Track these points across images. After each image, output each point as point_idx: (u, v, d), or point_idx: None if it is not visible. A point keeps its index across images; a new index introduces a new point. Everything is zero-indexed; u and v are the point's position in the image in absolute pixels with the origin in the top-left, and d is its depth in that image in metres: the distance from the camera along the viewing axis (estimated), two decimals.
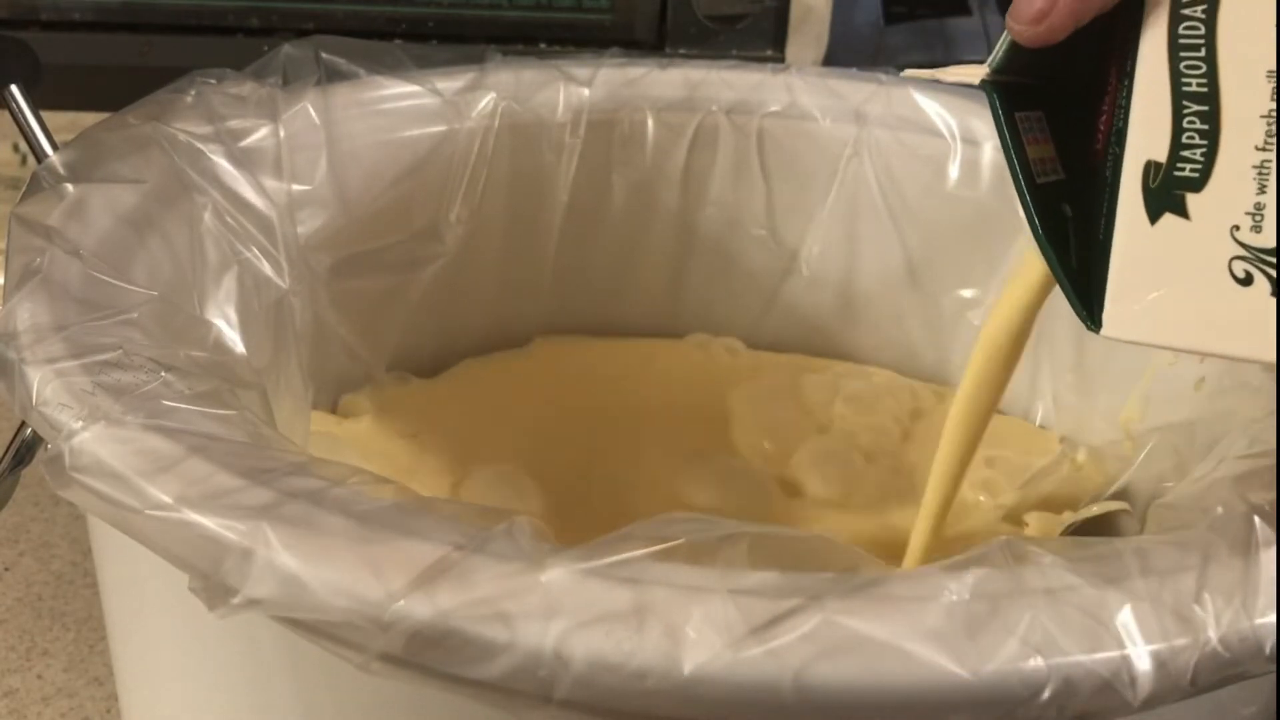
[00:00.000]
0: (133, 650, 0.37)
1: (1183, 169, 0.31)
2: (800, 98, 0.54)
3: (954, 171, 0.51)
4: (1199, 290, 0.31)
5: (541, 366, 0.55)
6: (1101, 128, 0.33)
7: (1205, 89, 0.30)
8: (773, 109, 0.54)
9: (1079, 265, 0.33)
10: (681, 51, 0.75)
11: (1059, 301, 0.50)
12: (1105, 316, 0.32)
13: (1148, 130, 0.31)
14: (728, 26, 0.75)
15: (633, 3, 0.76)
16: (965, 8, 0.89)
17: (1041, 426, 0.53)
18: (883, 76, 0.54)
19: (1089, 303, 0.33)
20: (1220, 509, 0.29)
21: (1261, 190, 0.30)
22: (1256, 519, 0.28)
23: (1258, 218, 0.30)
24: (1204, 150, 0.30)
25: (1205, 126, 0.30)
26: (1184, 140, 0.31)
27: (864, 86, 0.54)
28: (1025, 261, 0.38)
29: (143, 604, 0.35)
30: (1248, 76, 0.30)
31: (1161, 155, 0.31)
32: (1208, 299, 0.31)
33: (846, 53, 0.80)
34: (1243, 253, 0.30)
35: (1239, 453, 0.36)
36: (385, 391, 0.52)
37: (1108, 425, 0.50)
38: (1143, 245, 0.31)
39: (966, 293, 0.53)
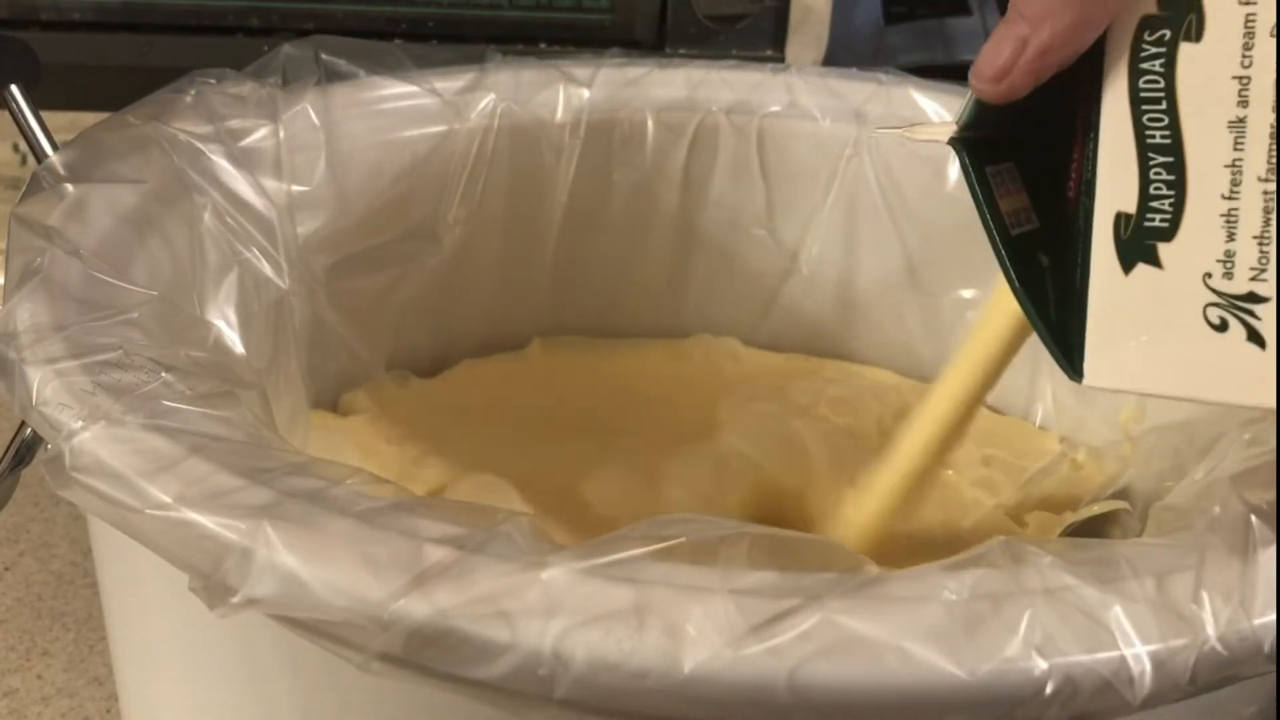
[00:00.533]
0: (133, 650, 0.37)
1: (1153, 219, 0.31)
2: (800, 98, 0.54)
3: (954, 172, 0.51)
4: (1176, 337, 0.31)
5: (540, 366, 0.55)
6: (1073, 176, 0.33)
7: (1169, 140, 0.31)
8: (773, 109, 0.54)
9: (1057, 315, 0.33)
10: (681, 51, 0.75)
11: None
12: (1086, 367, 0.33)
13: (1116, 182, 0.31)
14: (728, 26, 0.75)
15: (633, 3, 0.75)
16: (965, 8, 0.89)
17: (1041, 427, 0.53)
18: (883, 76, 0.54)
19: (1069, 351, 0.33)
20: (1218, 509, 0.29)
21: (1230, 238, 0.30)
22: (1254, 519, 0.28)
23: (1229, 265, 0.30)
24: (1172, 200, 0.31)
25: (1171, 177, 0.31)
26: (1152, 191, 0.31)
27: (864, 86, 0.54)
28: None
29: (143, 604, 0.35)
30: (1209, 127, 0.30)
31: (1131, 206, 0.31)
32: (1185, 346, 0.31)
33: (846, 53, 0.80)
34: (1216, 299, 0.31)
35: (1238, 453, 0.36)
36: (385, 390, 0.52)
37: (1107, 426, 0.50)
38: (1118, 295, 0.32)
39: (966, 293, 0.53)
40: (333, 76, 0.48)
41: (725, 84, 0.54)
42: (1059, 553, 0.27)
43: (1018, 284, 0.33)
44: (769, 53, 0.76)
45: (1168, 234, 0.31)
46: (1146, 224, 0.31)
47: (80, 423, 0.29)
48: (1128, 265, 0.31)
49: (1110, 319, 0.32)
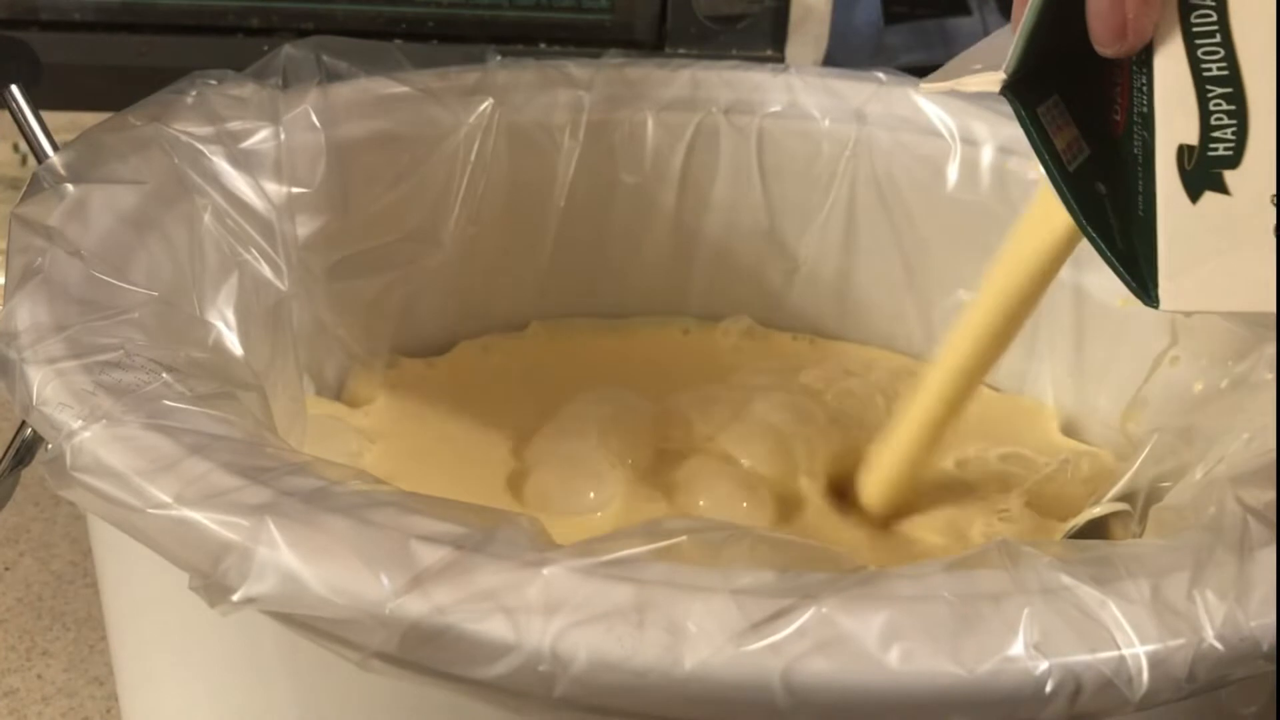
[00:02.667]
0: (132, 650, 0.37)
1: (1216, 148, 0.31)
2: (800, 98, 0.54)
3: (953, 173, 0.51)
4: (1249, 257, 0.32)
5: (540, 347, 0.55)
6: (1119, 99, 0.33)
7: (1226, 72, 0.31)
8: (773, 109, 0.54)
9: (1124, 244, 0.33)
10: (681, 51, 0.75)
11: (1058, 303, 0.50)
12: (1161, 293, 0.33)
13: (1175, 116, 0.32)
14: (728, 26, 0.75)
15: (633, 3, 0.75)
16: (965, 8, 0.89)
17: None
18: (883, 76, 0.54)
19: (1140, 278, 0.33)
20: (1216, 509, 0.29)
21: None
22: (1252, 519, 0.28)
23: None
24: (1234, 129, 0.31)
25: (1232, 107, 0.31)
26: (1213, 122, 0.31)
27: (864, 86, 0.54)
28: (1032, 225, 0.39)
29: (142, 604, 0.35)
30: (1265, 55, 0.31)
31: (1193, 138, 0.32)
32: (1257, 264, 0.32)
33: (846, 53, 0.80)
34: None
35: (1238, 453, 0.36)
36: (385, 375, 0.51)
37: (1108, 427, 0.50)
38: (1188, 224, 0.32)
39: (965, 294, 0.53)
40: (333, 77, 0.48)
41: (725, 84, 0.54)
42: (1057, 553, 0.27)
43: (1084, 221, 0.33)
44: (769, 53, 0.76)
45: (1233, 161, 0.31)
46: (1210, 154, 0.31)
47: (80, 422, 0.29)
48: (1195, 194, 0.32)
49: (1182, 246, 0.32)
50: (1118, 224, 0.34)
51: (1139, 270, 0.33)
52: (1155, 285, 0.33)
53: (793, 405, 0.50)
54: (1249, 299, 0.33)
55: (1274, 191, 0.31)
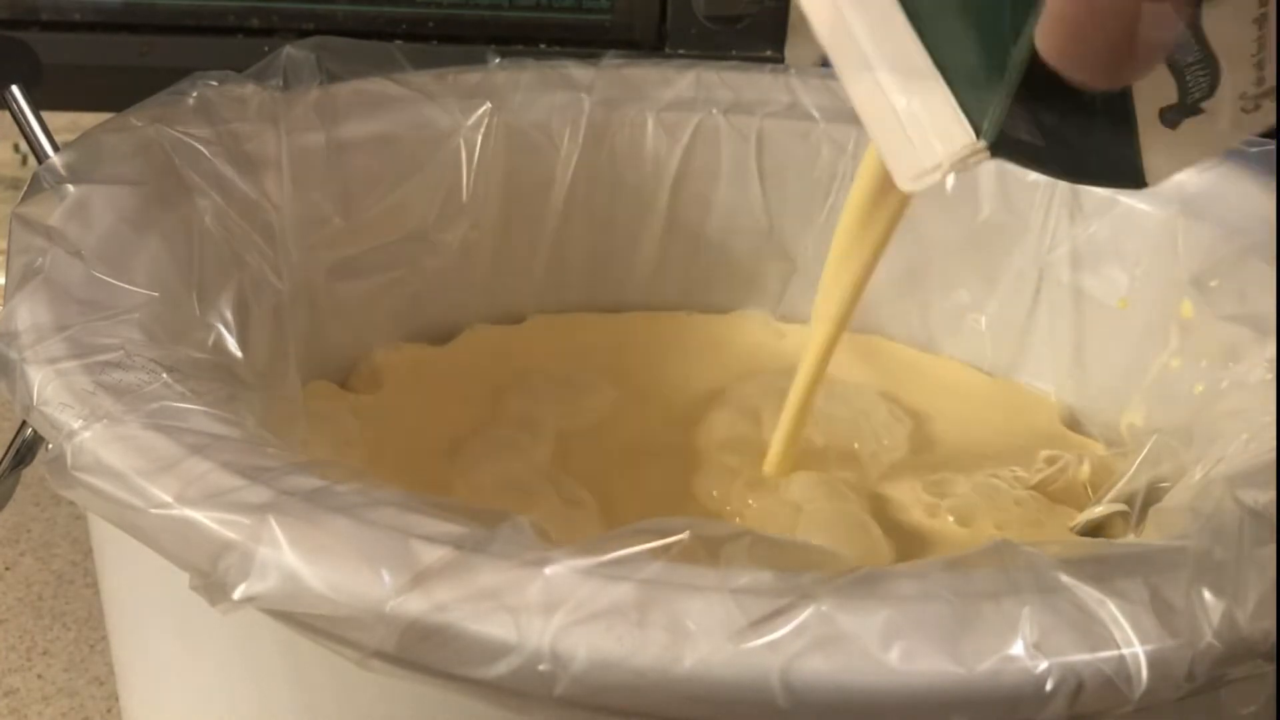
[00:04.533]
0: (133, 650, 0.37)
1: (1193, 94, 0.33)
2: (800, 98, 0.54)
3: (951, 176, 0.51)
4: (1219, 132, 0.33)
5: (541, 337, 0.55)
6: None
7: (1201, 57, 0.32)
8: (773, 109, 0.54)
9: (1095, 164, 0.34)
10: (681, 52, 0.75)
11: (1058, 303, 0.50)
12: (1148, 179, 0.34)
13: (1153, 95, 0.33)
14: (728, 27, 0.75)
15: (633, 3, 0.76)
16: None
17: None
18: None
19: (1117, 178, 0.34)
20: (1215, 509, 0.29)
21: (1259, 67, 0.32)
22: (1251, 518, 0.28)
23: (1259, 79, 0.32)
24: (1206, 76, 0.33)
25: (1206, 69, 0.33)
26: (1189, 84, 0.33)
27: None
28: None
29: (143, 603, 0.35)
30: (1239, 34, 0.32)
31: (1172, 100, 0.33)
32: (1225, 129, 0.33)
33: None
34: (1248, 102, 0.33)
35: (1238, 453, 0.36)
36: (386, 364, 0.51)
37: (1108, 427, 0.50)
38: (1168, 140, 0.34)
39: (964, 296, 0.54)
40: (333, 78, 0.49)
41: (725, 84, 0.54)
42: (1056, 553, 0.27)
43: (1064, 173, 0.35)
44: (769, 53, 0.76)
45: (1207, 96, 0.33)
46: (1189, 100, 0.33)
47: (81, 422, 0.30)
48: (1174, 125, 0.33)
49: (1162, 153, 0.34)
50: (1079, 141, 0.34)
51: (1115, 171, 0.34)
52: (1143, 175, 0.34)
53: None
54: (1218, 149, 0.35)
55: (1241, 91, 0.33)
